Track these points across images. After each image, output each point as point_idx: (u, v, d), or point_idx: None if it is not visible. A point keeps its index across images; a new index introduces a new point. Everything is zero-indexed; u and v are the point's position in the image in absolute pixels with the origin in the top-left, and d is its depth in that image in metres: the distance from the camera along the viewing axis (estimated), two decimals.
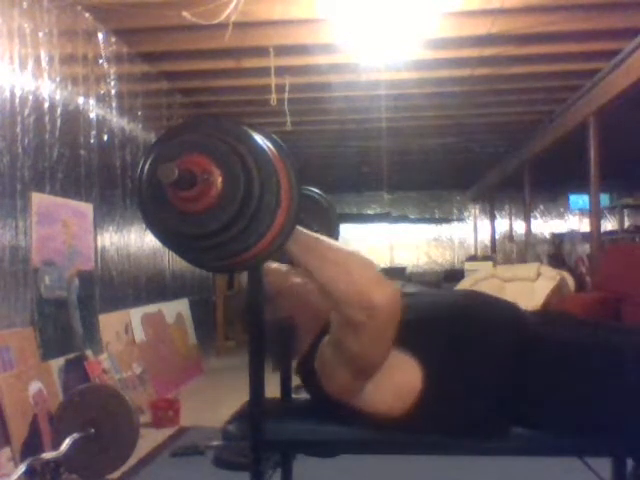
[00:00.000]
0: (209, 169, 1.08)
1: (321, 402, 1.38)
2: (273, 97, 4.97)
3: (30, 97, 3.33)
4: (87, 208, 3.96)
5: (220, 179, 1.08)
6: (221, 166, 1.08)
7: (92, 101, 4.10)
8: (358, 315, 1.17)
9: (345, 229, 10.59)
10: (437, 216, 12.14)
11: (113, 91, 4.43)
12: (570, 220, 11.73)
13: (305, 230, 1.25)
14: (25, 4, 3.28)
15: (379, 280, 1.20)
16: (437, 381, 1.27)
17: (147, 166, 1.14)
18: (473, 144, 8.36)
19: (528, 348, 1.30)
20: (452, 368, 1.29)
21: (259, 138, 1.13)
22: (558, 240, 9.43)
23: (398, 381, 1.27)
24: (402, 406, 1.27)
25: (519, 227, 10.37)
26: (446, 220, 12.06)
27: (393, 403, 1.28)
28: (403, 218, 11.67)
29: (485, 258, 9.28)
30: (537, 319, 1.42)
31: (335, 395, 1.32)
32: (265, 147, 1.12)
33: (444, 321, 1.35)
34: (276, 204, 1.09)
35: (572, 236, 8.64)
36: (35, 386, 3.12)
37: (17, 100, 3.20)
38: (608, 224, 10.43)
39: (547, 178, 8.89)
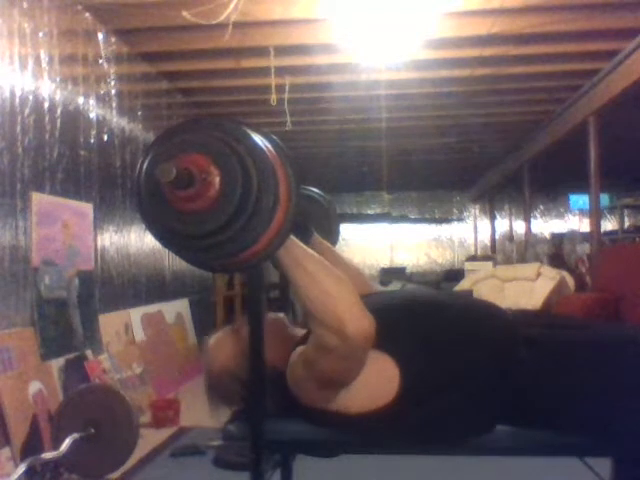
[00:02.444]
0: (207, 169, 1.08)
1: (296, 410, 1.38)
2: (273, 97, 4.97)
3: (30, 97, 3.32)
4: (87, 208, 3.96)
5: (218, 179, 1.08)
6: (219, 166, 1.08)
7: (92, 101, 4.10)
8: (331, 338, 1.20)
9: (345, 229, 10.60)
10: (437, 216, 12.13)
11: (113, 91, 4.43)
12: (570, 220, 11.73)
13: (298, 242, 1.25)
14: (25, 4, 3.28)
15: (358, 311, 1.21)
16: (414, 379, 1.28)
17: (145, 165, 1.14)
18: (473, 144, 8.35)
19: (517, 347, 1.30)
20: (427, 365, 1.29)
21: (258, 138, 1.13)
22: (558, 240, 9.42)
23: (375, 380, 1.28)
24: (378, 404, 1.28)
25: (519, 227, 10.36)
26: (446, 220, 12.06)
27: (370, 403, 1.28)
28: (403, 218, 11.67)
29: (485, 258, 9.26)
30: (531, 320, 1.43)
31: (308, 403, 1.33)
32: (264, 147, 1.12)
33: (418, 318, 1.36)
34: (274, 204, 1.09)
35: (572, 236, 8.64)
36: (35, 386, 3.12)
37: (17, 100, 3.20)
38: (608, 224, 10.43)
39: (547, 178, 8.88)
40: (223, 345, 1.50)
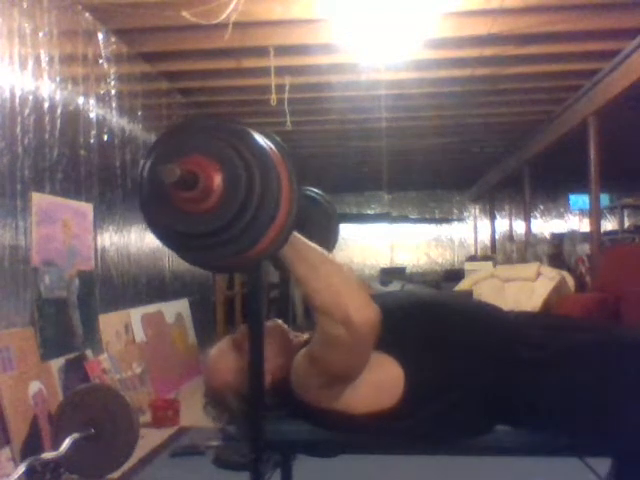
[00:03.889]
0: (211, 170, 1.08)
1: (300, 411, 1.38)
2: (273, 97, 4.97)
3: (30, 97, 3.32)
4: (87, 208, 3.95)
5: (222, 180, 1.08)
6: (223, 167, 1.09)
7: (92, 101, 4.10)
8: (336, 329, 1.20)
9: (345, 229, 10.60)
10: (437, 216, 12.13)
11: (113, 91, 4.43)
12: (570, 220, 11.72)
13: (301, 237, 1.26)
14: (25, 4, 3.28)
15: (363, 300, 1.22)
16: (418, 380, 1.28)
17: (149, 166, 1.14)
18: (473, 144, 8.35)
19: (518, 348, 1.30)
20: (430, 367, 1.30)
21: (261, 139, 1.13)
22: (558, 240, 9.42)
23: (379, 382, 1.29)
24: (384, 406, 1.28)
25: (519, 227, 10.37)
26: (446, 220, 12.06)
27: (375, 404, 1.29)
28: (403, 218, 11.66)
29: (485, 258, 9.26)
30: (532, 321, 1.42)
31: (314, 403, 1.33)
32: (267, 149, 1.13)
33: (420, 320, 1.36)
34: (277, 205, 1.10)
35: (572, 236, 8.63)
36: (35, 386, 3.12)
37: (17, 100, 3.20)
38: (608, 224, 10.42)
39: (547, 178, 8.89)
40: (223, 360, 1.49)
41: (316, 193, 1.91)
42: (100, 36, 4.20)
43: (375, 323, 1.22)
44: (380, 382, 1.28)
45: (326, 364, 1.26)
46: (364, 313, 1.20)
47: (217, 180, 1.08)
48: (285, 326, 1.54)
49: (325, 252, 1.28)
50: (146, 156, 1.16)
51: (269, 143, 1.15)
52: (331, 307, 1.20)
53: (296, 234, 1.23)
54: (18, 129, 3.20)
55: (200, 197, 1.08)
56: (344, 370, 1.27)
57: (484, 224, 11.60)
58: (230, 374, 1.45)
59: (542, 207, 11.73)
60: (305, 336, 1.47)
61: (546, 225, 11.71)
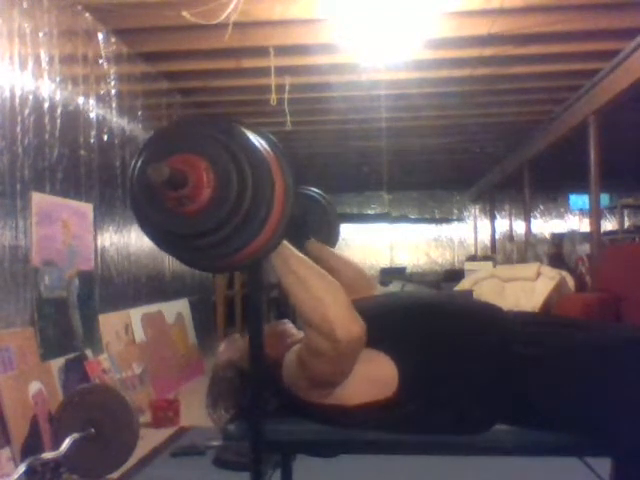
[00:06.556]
0: (201, 168, 1.07)
1: (292, 404, 1.40)
2: (273, 97, 4.97)
3: (30, 97, 3.32)
4: (87, 208, 3.95)
5: (212, 179, 1.07)
6: (213, 165, 1.07)
7: (92, 101, 4.10)
8: (321, 342, 1.21)
9: (345, 229, 10.59)
10: (437, 216, 12.13)
11: (113, 91, 4.43)
12: (570, 220, 11.72)
13: (291, 247, 1.26)
14: (25, 4, 3.28)
15: (348, 315, 1.23)
16: (412, 380, 1.29)
17: (138, 166, 1.13)
18: (473, 144, 8.35)
19: (516, 347, 1.30)
20: (426, 366, 1.30)
21: (252, 136, 1.12)
22: (558, 240, 9.42)
23: (372, 380, 1.30)
24: (376, 398, 1.29)
25: (519, 227, 10.37)
26: (446, 220, 12.06)
27: (366, 396, 1.30)
28: (403, 218, 11.66)
29: (485, 258, 9.26)
30: (531, 320, 1.43)
31: (305, 399, 1.35)
32: (258, 145, 1.11)
33: (416, 320, 1.37)
34: (270, 203, 1.08)
35: (572, 236, 8.63)
36: (35, 386, 3.12)
37: (17, 100, 3.20)
38: (608, 224, 10.42)
39: (547, 178, 8.88)
40: (232, 343, 1.56)
41: (316, 193, 1.91)
42: (100, 36, 4.20)
43: (360, 338, 1.23)
44: (372, 377, 1.29)
45: (311, 370, 1.29)
46: (349, 329, 1.21)
47: (208, 179, 1.06)
48: (290, 323, 1.56)
49: (313, 264, 1.29)
50: (136, 156, 1.15)
51: (262, 141, 1.13)
52: (316, 321, 1.21)
53: (286, 244, 1.23)
54: (18, 129, 3.20)
55: (190, 196, 1.06)
56: (328, 377, 1.29)
57: (484, 224, 11.60)
58: (235, 354, 1.49)
59: (542, 207, 11.73)
60: (301, 335, 1.49)
61: (546, 225, 11.71)
